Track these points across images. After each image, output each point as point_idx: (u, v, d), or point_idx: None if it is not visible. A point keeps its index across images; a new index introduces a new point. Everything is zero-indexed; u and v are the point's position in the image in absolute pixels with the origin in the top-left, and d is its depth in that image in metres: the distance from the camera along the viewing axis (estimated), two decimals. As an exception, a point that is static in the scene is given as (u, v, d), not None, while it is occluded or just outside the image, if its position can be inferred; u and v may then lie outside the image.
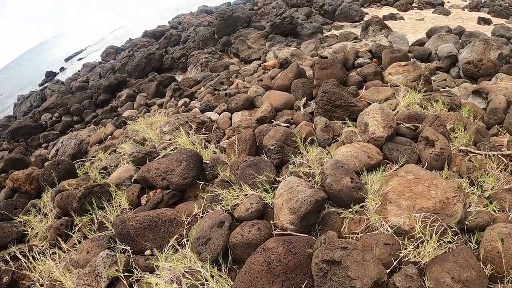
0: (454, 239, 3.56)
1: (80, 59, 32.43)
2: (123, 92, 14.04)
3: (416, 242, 3.47)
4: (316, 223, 3.94)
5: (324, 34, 13.05)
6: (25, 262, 4.69)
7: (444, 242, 3.48)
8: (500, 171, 4.57)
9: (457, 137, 5.17)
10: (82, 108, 14.77)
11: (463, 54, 8.08)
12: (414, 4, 15.84)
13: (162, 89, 12.80)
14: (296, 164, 4.99)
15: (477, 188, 4.28)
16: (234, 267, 3.54)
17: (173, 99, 11.36)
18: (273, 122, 6.63)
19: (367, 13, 14.98)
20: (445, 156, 4.57)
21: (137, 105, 12.65)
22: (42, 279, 4.47)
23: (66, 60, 35.77)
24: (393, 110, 5.96)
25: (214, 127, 7.89)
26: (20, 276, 4.68)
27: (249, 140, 5.83)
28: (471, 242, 3.58)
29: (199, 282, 3.32)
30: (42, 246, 5.14)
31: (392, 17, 13.86)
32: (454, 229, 3.58)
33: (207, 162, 5.65)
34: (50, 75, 31.42)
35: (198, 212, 4.30)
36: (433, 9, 14.63)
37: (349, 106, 5.88)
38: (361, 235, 3.68)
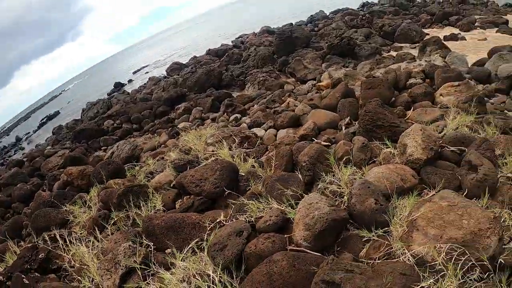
0: (482, 277, 3.25)
1: (147, 72, 34.61)
2: (181, 105, 14.72)
3: (436, 276, 3.18)
4: (335, 244, 3.80)
5: (382, 56, 12.77)
6: (62, 244, 5.14)
7: (470, 280, 3.12)
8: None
9: (506, 163, 4.79)
10: (141, 117, 15.73)
11: None
12: (476, 24, 14.96)
13: (218, 104, 13.23)
14: (326, 182, 4.91)
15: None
16: (246, 276, 3.54)
17: (225, 114, 11.69)
18: (314, 140, 6.58)
19: (427, 34, 14.42)
20: (488, 183, 4.25)
21: (192, 118, 13.17)
22: (74, 261, 4.89)
23: (134, 72, 38.44)
24: (440, 132, 5.67)
25: (258, 143, 8.01)
26: (55, 255, 5.13)
27: (286, 156, 5.85)
28: (502, 284, 3.12)
29: (206, 284, 3.39)
30: (81, 233, 5.63)
31: (453, 37, 13.22)
32: (485, 264, 3.30)
33: (243, 174, 5.79)
34: (119, 86, 33.90)
35: (223, 220, 4.39)
36: (496, 28, 13.74)
37: (391, 126, 5.70)
38: (379, 261, 3.50)
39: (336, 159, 5.50)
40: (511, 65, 8.10)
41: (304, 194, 4.78)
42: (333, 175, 5.00)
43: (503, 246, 3.55)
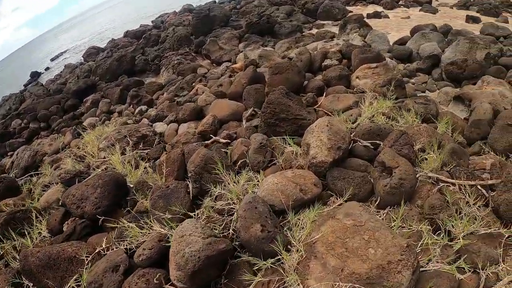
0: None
1: (65, 59, 31.19)
2: (89, 98, 13.01)
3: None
4: (222, 276, 3.13)
5: (303, 34, 11.90)
6: None
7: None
8: (478, 208, 3.44)
9: (427, 159, 4.03)
10: (49, 114, 13.66)
11: (447, 53, 6.93)
12: (400, 2, 14.61)
13: (127, 94, 11.70)
14: (216, 197, 3.90)
15: (442, 237, 3.14)
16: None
17: (131, 106, 10.27)
18: (212, 137, 5.52)
19: (351, 11, 13.80)
20: (405, 189, 3.45)
21: (99, 112, 11.57)
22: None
23: (52, 59, 34.42)
24: (353, 122, 4.85)
25: (156, 142, 6.83)
26: None
27: (177, 161, 4.80)
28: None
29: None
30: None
31: (376, 15, 12.68)
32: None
33: (131, 186, 4.83)
34: (35, 75, 30.24)
35: (104, 248, 3.82)
36: (420, 7, 13.46)
37: (296, 119, 4.77)
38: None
39: (232, 162, 4.51)
40: (433, 44, 7.55)
41: (189, 213, 3.79)
42: (224, 186, 3.99)
43: (421, 270, 2.77)
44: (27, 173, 8.54)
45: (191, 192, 4.12)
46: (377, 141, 4.29)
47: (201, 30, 14.81)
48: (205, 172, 4.14)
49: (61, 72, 23.16)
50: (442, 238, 3.11)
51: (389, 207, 3.45)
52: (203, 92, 8.40)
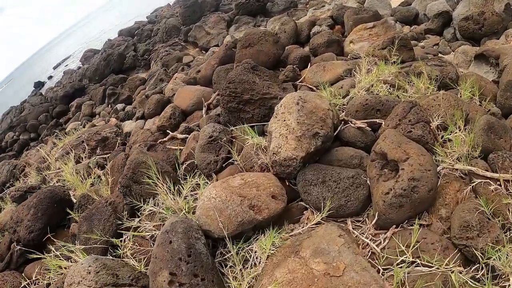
0: None
1: (67, 66, 30.41)
2: (74, 102, 12.09)
3: None
4: None
5: (296, 8, 10.51)
6: None
7: None
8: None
9: (451, 140, 2.69)
10: (37, 124, 12.87)
11: (459, 8, 5.47)
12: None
13: (111, 93, 10.66)
14: (145, 215, 2.71)
15: (483, 276, 1.83)
16: None
17: (109, 106, 9.18)
18: (169, 133, 4.32)
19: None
20: (420, 195, 2.15)
21: (81, 115, 10.59)
22: None
23: (55, 67, 33.57)
24: (344, 96, 3.56)
25: (119, 143, 5.71)
26: None
27: (122, 169, 3.67)
28: None
29: None
30: None
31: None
32: None
33: (75, 201, 3.98)
34: (39, 85, 29.60)
35: (28, 283, 3.21)
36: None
37: (264, 99, 3.50)
38: None
39: (180, 164, 3.31)
40: (441, 2, 6.09)
41: (112, 240, 2.65)
42: (157, 201, 2.80)
43: None
44: (4, 188, 7.75)
45: (121, 210, 2.95)
46: (377, 120, 2.99)
47: (191, 18, 13.58)
48: (134, 184, 2.95)
49: (61, 79, 22.50)
50: (488, 278, 1.80)
51: (394, 226, 2.16)
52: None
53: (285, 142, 2.53)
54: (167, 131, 4.42)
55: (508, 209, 2.09)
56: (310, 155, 2.54)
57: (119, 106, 8.36)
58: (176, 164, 3.41)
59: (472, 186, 2.33)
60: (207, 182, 2.97)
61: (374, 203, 2.24)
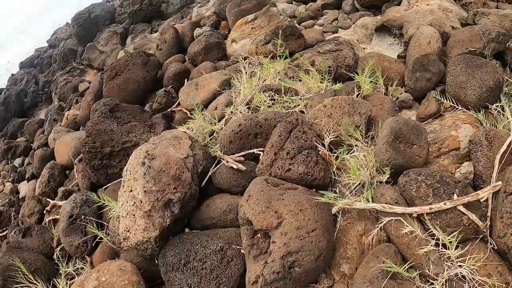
0: None
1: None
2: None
3: None
4: None
5: (189, 6, 9.81)
6: None
7: None
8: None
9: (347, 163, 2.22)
10: None
11: None
12: None
13: (12, 145, 9.44)
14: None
15: None
16: None
17: (9, 163, 8.03)
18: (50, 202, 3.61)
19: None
20: (305, 268, 1.65)
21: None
22: None
23: None
24: (220, 120, 3.03)
25: (13, 215, 4.87)
26: None
27: None
28: None
29: None
30: None
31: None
32: None
33: None
34: None
35: None
36: None
37: (126, 149, 2.88)
38: None
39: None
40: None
41: None
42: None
43: None
44: None
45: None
46: (255, 150, 2.47)
47: (87, 37, 12.38)
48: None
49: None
50: None
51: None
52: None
53: (133, 223, 1.94)
54: (47, 199, 3.70)
55: (429, 259, 1.64)
56: (168, 229, 1.97)
57: (18, 161, 7.31)
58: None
59: (380, 227, 1.87)
60: (83, 267, 2.39)
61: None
